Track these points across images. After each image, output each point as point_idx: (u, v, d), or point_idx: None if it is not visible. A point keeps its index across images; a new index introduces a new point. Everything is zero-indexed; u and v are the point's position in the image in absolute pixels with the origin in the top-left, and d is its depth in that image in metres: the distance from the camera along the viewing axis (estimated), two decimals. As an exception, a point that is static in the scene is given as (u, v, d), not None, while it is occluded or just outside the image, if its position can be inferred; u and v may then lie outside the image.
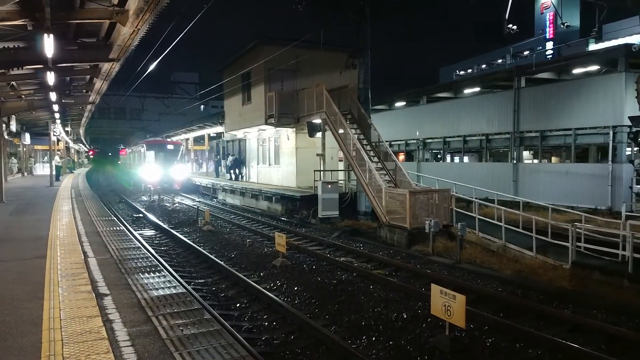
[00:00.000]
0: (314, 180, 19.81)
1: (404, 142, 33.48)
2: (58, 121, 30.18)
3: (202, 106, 41.99)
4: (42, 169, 42.71)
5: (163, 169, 30.56)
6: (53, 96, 19.23)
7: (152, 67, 17.58)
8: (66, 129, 40.21)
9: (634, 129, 14.70)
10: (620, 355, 6.75)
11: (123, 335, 4.72)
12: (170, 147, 33.38)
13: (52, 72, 14.37)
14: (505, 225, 13.23)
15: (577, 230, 11.69)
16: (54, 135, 31.22)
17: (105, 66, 16.21)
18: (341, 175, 22.42)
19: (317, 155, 21.11)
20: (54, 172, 28.39)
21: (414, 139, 31.86)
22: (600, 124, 20.69)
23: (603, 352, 6.78)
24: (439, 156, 32.81)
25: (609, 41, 35.86)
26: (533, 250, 12.10)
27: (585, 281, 10.52)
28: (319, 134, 21.05)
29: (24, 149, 39.00)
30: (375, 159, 18.21)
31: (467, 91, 30.26)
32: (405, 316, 8.08)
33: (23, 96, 21.56)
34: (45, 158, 43.97)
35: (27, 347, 4.46)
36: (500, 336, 7.28)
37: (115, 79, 20.09)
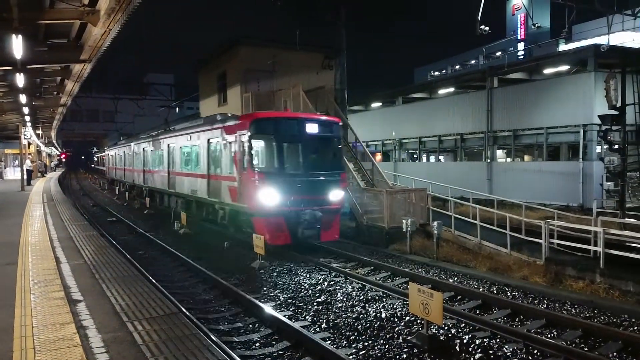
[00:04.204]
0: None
1: (380, 142, 33.73)
2: (29, 124, 29.44)
3: (177, 108, 41.35)
4: (13, 173, 41.62)
5: (300, 186, 12.64)
6: (23, 98, 18.77)
7: (125, 68, 17.40)
8: (37, 132, 39.28)
9: (604, 127, 15.08)
10: (593, 348, 6.92)
11: (97, 342, 4.63)
12: (319, 127, 13.41)
13: (22, 74, 14.05)
14: (481, 224, 13.43)
15: (550, 227, 11.95)
16: (24, 138, 30.43)
17: (77, 67, 15.93)
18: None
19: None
20: (25, 177, 27.67)
21: (390, 139, 32.12)
22: (571, 122, 21.19)
23: (577, 346, 6.94)
24: (415, 156, 33.15)
25: (578, 42, 36.80)
26: (508, 247, 12.31)
27: (558, 277, 10.76)
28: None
29: (-7, 153, 37.98)
30: (353, 160, 18.28)
31: (441, 92, 30.66)
32: (384, 315, 8.12)
33: (-9, 99, 21.03)
34: (16, 162, 42.86)
35: (-3, 356, 4.34)
36: (477, 332, 7.38)
37: (87, 81, 19.76)
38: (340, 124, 14.16)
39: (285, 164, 12.71)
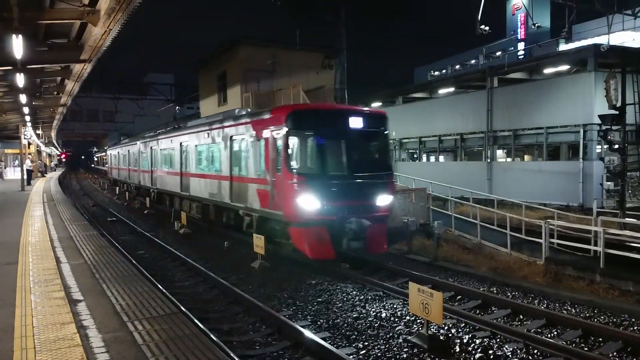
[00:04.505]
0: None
1: (380, 142, 33.68)
2: (29, 124, 29.46)
3: (177, 107, 41.33)
4: (13, 173, 41.62)
5: (345, 191, 11.02)
6: (23, 98, 18.79)
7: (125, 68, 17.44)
8: (37, 131, 39.29)
9: (604, 127, 15.09)
10: (592, 348, 6.92)
11: (98, 342, 4.63)
12: (365, 121, 11.72)
13: (22, 74, 14.06)
14: (481, 223, 13.44)
15: (550, 226, 11.96)
16: (24, 138, 30.44)
17: (77, 67, 15.94)
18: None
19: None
20: (25, 176, 27.67)
21: (390, 139, 32.11)
22: (571, 122, 21.19)
23: (577, 345, 6.94)
24: (415, 156, 33.16)
25: (578, 41, 36.77)
26: (508, 247, 12.32)
27: (558, 276, 10.76)
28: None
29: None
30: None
31: (441, 91, 30.67)
32: (384, 315, 8.12)
33: (-9, 99, 21.05)
34: (16, 162, 42.87)
35: (-3, 356, 4.34)
36: (477, 332, 7.38)
37: (87, 80, 19.77)
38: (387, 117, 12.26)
39: (328, 165, 11.13)
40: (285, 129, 10.83)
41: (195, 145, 17.06)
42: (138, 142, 26.77)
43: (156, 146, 22.59)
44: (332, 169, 11.13)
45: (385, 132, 12.13)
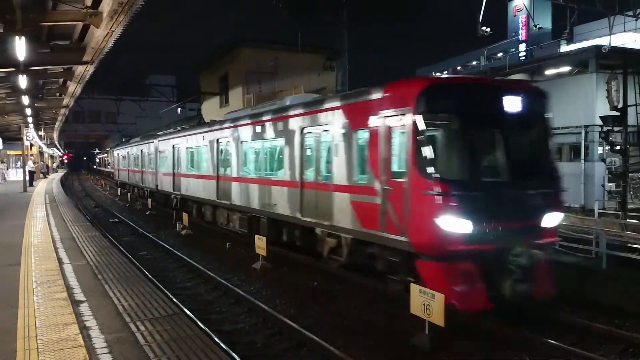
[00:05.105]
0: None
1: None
2: (31, 125, 29.56)
3: (179, 109, 41.39)
4: (16, 175, 41.73)
5: (506, 206, 7.57)
6: (25, 100, 18.86)
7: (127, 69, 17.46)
8: (39, 133, 39.41)
9: (605, 129, 15.08)
10: (595, 349, 6.91)
11: (100, 342, 4.66)
12: (525, 102, 8.05)
13: (25, 76, 14.11)
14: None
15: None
16: (27, 140, 30.54)
17: (79, 69, 16.00)
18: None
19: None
20: (27, 178, 27.75)
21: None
22: (573, 123, 21.17)
23: (577, 347, 6.93)
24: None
25: (580, 43, 36.72)
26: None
27: (560, 278, 10.74)
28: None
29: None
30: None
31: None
32: (384, 315, 8.12)
33: (-6, 100, 21.14)
34: (19, 163, 42.98)
35: (1, 356, 4.36)
36: (479, 334, 7.37)
37: (89, 82, 19.83)
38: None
39: (481, 167, 7.88)
40: (415, 114, 7.40)
41: (241, 142, 13.76)
42: (155, 141, 23.44)
43: (180, 144, 19.35)
44: (486, 172, 7.86)
45: (549, 118, 8.48)
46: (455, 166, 7.70)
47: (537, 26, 21.37)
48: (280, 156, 11.85)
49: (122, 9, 9.74)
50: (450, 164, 7.68)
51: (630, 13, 20.29)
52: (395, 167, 7.99)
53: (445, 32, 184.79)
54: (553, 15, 51.41)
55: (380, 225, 8.12)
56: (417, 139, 7.36)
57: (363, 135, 8.73)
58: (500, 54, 53.38)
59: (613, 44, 22.18)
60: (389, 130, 8.01)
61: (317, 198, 10.13)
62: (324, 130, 9.98)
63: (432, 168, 7.23)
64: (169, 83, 55.12)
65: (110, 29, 10.97)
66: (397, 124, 7.81)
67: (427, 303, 6.57)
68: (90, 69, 15.65)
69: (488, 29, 16.13)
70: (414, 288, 6.83)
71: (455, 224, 7.02)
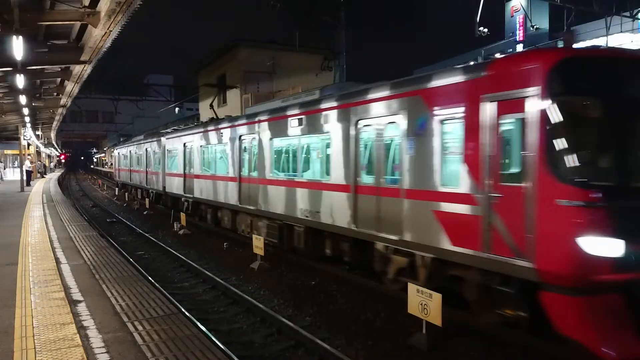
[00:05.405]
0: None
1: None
2: (28, 125, 29.51)
3: (177, 109, 41.34)
4: (13, 174, 41.64)
5: None
6: (23, 99, 18.83)
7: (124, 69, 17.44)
8: (37, 132, 39.34)
9: None
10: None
11: (98, 342, 4.66)
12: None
13: (22, 75, 14.10)
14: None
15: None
16: (24, 139, 30.47)
17: (77, 68, 15.98)
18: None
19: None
20: (24, 177, 27.69)
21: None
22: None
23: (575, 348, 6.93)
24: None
25: (577, 44, 36.81)
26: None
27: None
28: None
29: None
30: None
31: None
32: (382, 315, 8.13)
33: (-9, 100, 21.10)
34: (16, 163, 42.88)
35: (-2, 356, 4.36)
36: (476, 334, 7.38)
37: (87, 81, 19.82)
38: None
39: (633, 167, 6.09)
40: (546, 97, 5.63)
41: (270, 139, 12.00)
42: (163, 139, 21.60)
43: (193, 142, 17.44)
44: (636, 172, 6.12)
45: None
46: (604, 167, 5.87)
47: (535, 27, 21.43)
48: (320, 153, 10.25)
49: (120, 9, 9.74)
50: (596, 165, 5.83)
51: (627, 14, 20.36)
52: (508, 168, 6.24)
53: (443, 32, 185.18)
54: (550, 16, 51.52)
55: (484, 244, 6.29)
56: (550, 129, 5.56)
57: (454, 127, 6.88)
58: (497, 55, 53.39)
59: (610, 45, 22.19)
60: (498, 118, 6.16)
61: (378, 206, 8.32)
62: (389, 122, 8.14)
63: (575, 170, 5.46)
64: (166, 83, 55.16)
65: (108, 29, 10.96)
66: (514, 111, 5.95)
67: (424, 303, 6.58)
68: (88, 69, 15.64)
69: (485, 30, 16.19)
70: (412, 288, 6.84)
71: (604, 246, 5.32)
